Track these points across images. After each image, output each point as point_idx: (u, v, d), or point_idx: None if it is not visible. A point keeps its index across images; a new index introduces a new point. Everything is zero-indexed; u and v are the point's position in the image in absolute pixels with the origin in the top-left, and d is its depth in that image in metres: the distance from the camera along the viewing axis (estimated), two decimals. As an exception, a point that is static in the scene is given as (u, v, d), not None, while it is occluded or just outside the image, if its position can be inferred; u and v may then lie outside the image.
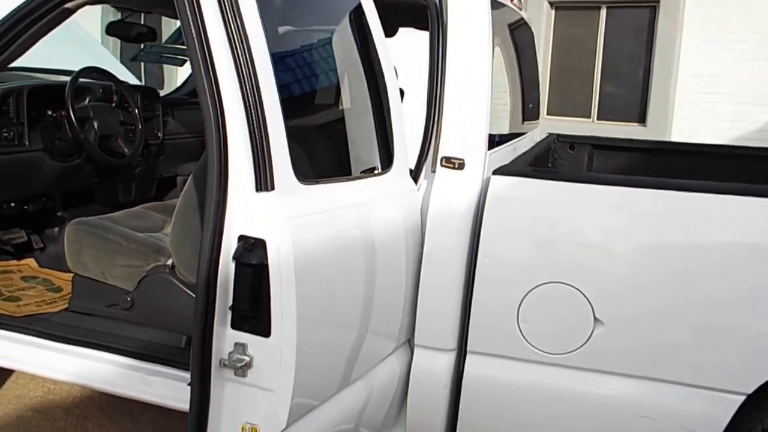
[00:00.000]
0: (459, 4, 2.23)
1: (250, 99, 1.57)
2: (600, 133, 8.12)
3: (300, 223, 1.63)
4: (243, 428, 1.64)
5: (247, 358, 1.62)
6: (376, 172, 2.13)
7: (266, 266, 1.56)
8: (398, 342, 2.20)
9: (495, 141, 2.40)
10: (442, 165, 2.18)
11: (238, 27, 1.58)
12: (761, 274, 1.96)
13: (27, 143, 2.67)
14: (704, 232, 2.01)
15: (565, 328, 2.08)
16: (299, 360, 1.59)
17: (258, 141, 1.57)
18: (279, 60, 1.83)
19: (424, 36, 2.34)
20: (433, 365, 2.20)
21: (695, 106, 8.27)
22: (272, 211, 1.57)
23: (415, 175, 2.26)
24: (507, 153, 2.58)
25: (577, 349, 2.07)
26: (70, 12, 2.31)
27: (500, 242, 2.12)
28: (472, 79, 2.19)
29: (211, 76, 1.58)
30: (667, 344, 2.03)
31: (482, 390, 2.19)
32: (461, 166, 2.16)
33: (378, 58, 2.17)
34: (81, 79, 2.86)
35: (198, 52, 1.59)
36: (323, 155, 2.20)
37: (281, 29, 2.11)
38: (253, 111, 1.57)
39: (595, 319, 2.05)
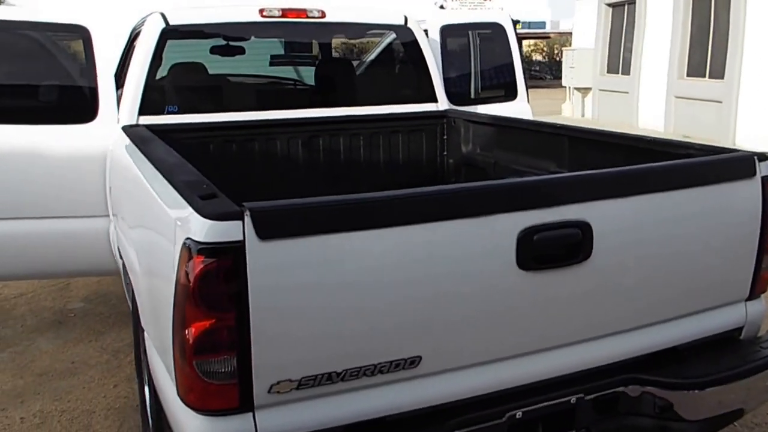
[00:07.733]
0: (142, 35, 4.05)
1: None
2: (705, 89, 8.19)
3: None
4: None
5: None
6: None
7: None
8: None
9: (167, 110, 4.11)
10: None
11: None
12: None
13: None
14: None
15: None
16: None
17: None
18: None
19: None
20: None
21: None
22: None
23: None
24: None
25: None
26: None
27: (114, 165, 3.90)
28: (129, 76, 4.01)
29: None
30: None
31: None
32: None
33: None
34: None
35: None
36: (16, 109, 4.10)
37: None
38: None
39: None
